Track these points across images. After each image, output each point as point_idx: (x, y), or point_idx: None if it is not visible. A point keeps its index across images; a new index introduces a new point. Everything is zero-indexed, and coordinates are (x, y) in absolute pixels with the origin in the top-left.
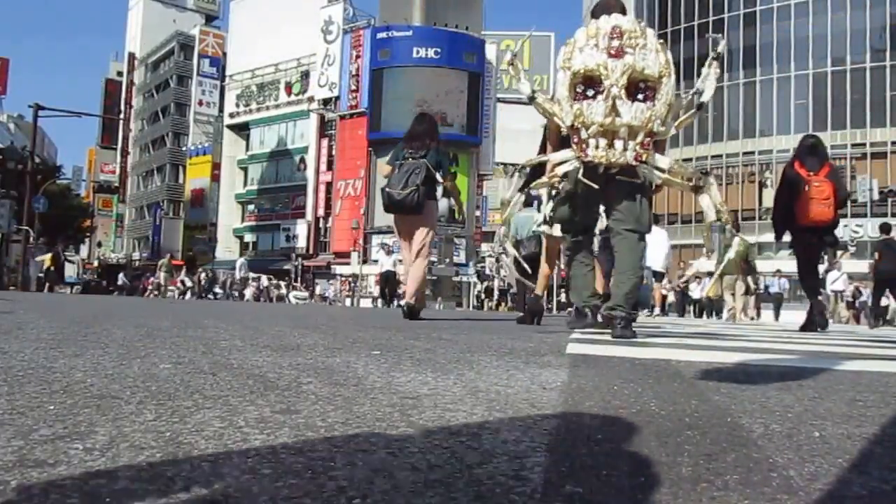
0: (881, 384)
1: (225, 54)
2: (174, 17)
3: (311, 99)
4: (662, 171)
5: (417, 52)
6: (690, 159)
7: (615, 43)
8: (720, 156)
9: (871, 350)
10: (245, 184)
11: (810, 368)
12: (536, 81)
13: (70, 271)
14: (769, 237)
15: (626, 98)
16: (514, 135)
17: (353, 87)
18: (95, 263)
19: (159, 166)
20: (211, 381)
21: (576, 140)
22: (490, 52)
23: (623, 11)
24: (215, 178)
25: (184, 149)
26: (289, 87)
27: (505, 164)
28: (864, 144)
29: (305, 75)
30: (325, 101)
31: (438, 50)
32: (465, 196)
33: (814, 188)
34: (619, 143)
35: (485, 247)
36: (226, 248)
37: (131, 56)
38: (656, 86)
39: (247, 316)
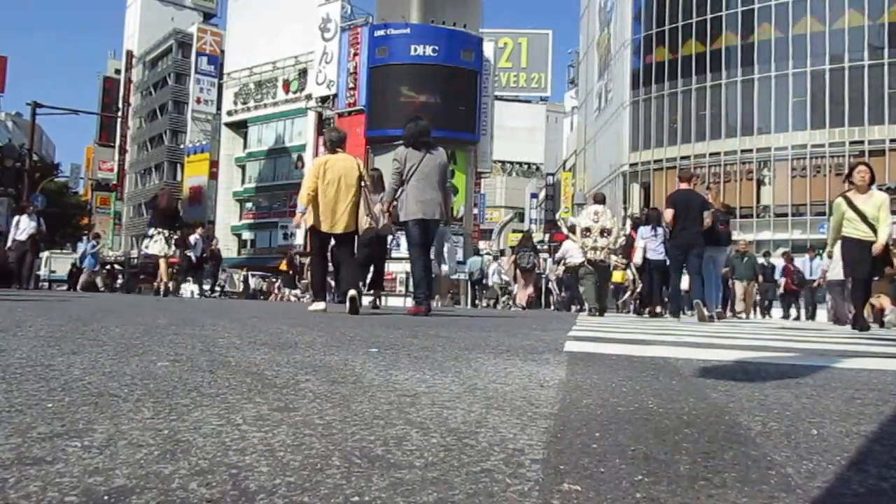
0: (879, 382)
1: (223, 52)
2: (172, 14)
3: (308, 97)
4: (611, 262)
5: (415, 50)
6: (689, 157)
7: (594, 216)
8: (718, 153)
9: (869, 348)
10: (243, 182)
11: (808, 366)
12: (535, 80)
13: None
14: (766, 235)
15: (599, 236)
16: (512, 132)
17: (351, 85)
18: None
19: (157, 164)
20: (209, 379)
21: (584, 251)
22: (488, 49)
23: (602, 202)
24: (213, 175)
25: (182, 146)
26: (287, 84)
27: (503, 162)
28: (861, 142)
29: (303, 73)
30: (323, 99)
31: (436, 48)
32: (463, 194)
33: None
34: (599, 253)
35: (482, 244)
36: (224, 245)
37: (129, 54)
38: (611, 231)
39: (244, 314)
